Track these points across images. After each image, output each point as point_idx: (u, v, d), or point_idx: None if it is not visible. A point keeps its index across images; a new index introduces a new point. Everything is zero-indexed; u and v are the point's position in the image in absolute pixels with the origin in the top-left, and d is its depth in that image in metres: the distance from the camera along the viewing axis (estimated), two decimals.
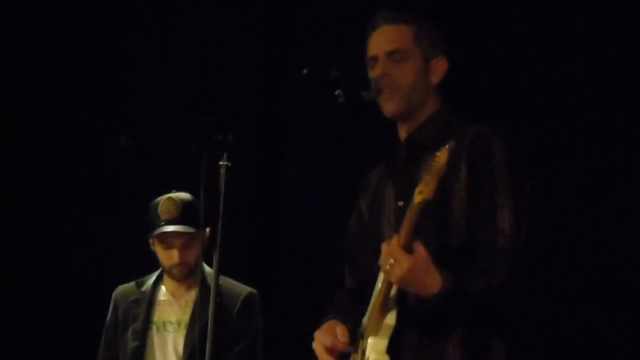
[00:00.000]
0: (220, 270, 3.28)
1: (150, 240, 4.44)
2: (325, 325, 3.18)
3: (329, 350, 3.13)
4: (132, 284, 4.55)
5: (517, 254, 3.01)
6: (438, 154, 2.89)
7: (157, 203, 4.40)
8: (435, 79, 3.22)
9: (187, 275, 4.40)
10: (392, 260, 2.92)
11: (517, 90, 4.79)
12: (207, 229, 4.32)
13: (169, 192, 4.46)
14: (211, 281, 4.37)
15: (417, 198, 2.90)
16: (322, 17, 5.22)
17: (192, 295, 4.44)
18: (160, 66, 5.61)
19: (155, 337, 4.41)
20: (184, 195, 4.37)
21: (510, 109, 4.73)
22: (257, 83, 5.41)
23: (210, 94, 5.29)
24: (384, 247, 2.95)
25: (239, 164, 3.12)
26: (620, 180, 4.66)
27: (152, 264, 4.53)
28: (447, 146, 2.89)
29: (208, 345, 3.20)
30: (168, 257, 4.41)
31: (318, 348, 3.16)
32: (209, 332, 3.22)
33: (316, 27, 5.24)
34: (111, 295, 4.56)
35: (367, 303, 3.13)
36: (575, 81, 4.75)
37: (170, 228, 4.34)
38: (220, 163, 3.10)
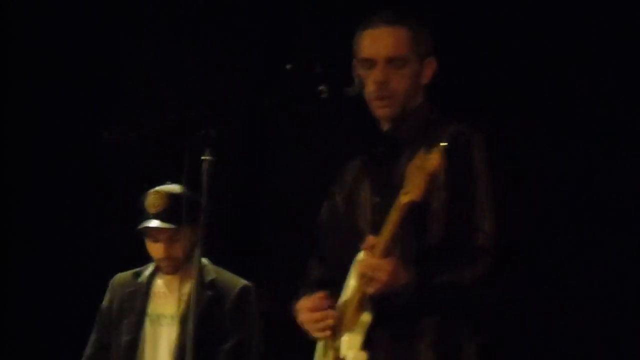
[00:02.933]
0: (200, 262, 3.33)
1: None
2: (307, 295, 3.20)
3: (313, 309, 3.14)
4: (129, 273, 4.55)
5: (497, 252, 3.01)
6: (430, 155, 2.88)
7: (146, 196, 4.40)
8: (425, 79, 3.23)
9: (176, 268, 4.40)
10: (370, 273, 2.94)
11: (499, 87, 4.79)
12: None
13: (157, 185, 4.44)
14: (207, 274, 4.43)
15: (404, 199, 2.91)
16: (306, 13, 5.22)
17: (188, 288, 4.42)
18: (145, 63, 5.63)
19: (149, 330, 4.41)
20: (173, 188, 4.35)
21: (491, 107, 4.73)
22: (240, 78, 5.41)
23: (194, 89, 5.29)
24: (358, 265, 2.98)
25: (222, 159, 3.13)
26: (600, 179, 4.67)
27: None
28: (439, 148, 2.88)
29: (189, 340, 3.19)
30: (155, 250, 4.41)
31: (302, 314, 3.17)
32: (190, 326, 3.21)
33: (300, 22, 5.24)
34: (107, 283, 4.57)
35: (333, 296, 3.15)
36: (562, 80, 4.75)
37: (151, 223, 4.33)
38: (203, 158, 3.11)
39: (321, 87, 3.12)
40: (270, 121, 5.28)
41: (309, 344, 3.22)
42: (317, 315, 3.13)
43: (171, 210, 4.31)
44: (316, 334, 3.16)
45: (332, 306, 3.12)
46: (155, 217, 4.34)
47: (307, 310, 3.16)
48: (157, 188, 4.40)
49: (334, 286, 3.18)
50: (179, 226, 4.28)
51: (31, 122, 5.85)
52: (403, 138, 3.18)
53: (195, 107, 3.14)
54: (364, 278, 2.96)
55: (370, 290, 2.96)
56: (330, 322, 3.10)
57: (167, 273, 4.43)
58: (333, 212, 3.33)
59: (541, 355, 4.72)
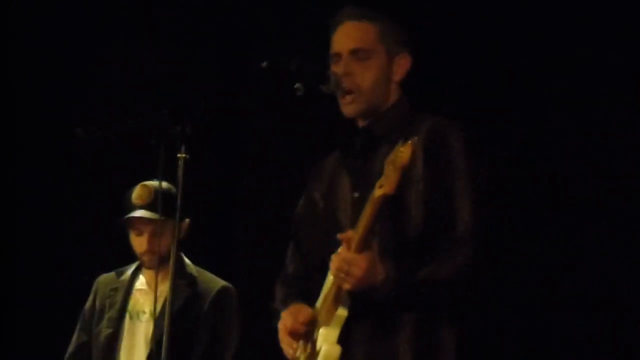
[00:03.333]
0: (176, 256, 3.34)
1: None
2: (291, 307, 3.18)
3: (290, 332, 3.13)
4: (112, 273, 4.56)
5: (476, 243, 2.99)
6: (402, 148, 2.88)
7: (133, 189, 4.39)
8: (397, 76, 3.21)
9: (158, 263, 4.35)
10: (346, 267, 2.93)
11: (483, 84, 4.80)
12: (187, 220, 4.35)
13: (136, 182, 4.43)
14: (188, 273, 4.42)
15: (378, 192, 2.90)
16: (282, 9, 5.21)
17: (167, 285, 4.41)
18: (119, 59, 5.62)
19: (127, 325, 4.41)
20: (161, 184, 4.36)
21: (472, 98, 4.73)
22: (216, 76, 5.39)
23: (168, 86, 5.28)
24: (334, 259, 2.96)
25: (197, 156, 3.13)
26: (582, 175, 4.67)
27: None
28: (410, 141, 2.88)
29: (165, 338, 3.19)
30: (138, 243, 4.40)
31: (280, 328, 3.17)
32: (165, 323, 3.21)
33: (275, 19, 5.23)
34: (89, 284, 4.56)
35: (313, 292, 3.15)
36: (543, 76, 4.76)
37: (137, 213, 4.33)
38: (178, 155, 3.11)
39: (297, 85, 3.12)
40: (246, 118, 5.27)
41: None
42: (292, 342, 3.13)
43: (157, 203, 4.30)
44: (286, 353, 3.16)
45: (310, 326, 3.10)
46: (141, 209, 4.34)
47: (285, 329, 3.15)
48: (144, 182, 4.39)
49: (311, 281, 3.18)
50: (164, 218, 4.24)
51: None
52: (380, 133, 3.17)
53: (170, 104, 3.14)
54: (339, 273, 2.94)
55: (346, 286, 2.95)
56: (299, 355, 3.10)
57: (150, 267, 4.42)
58: (311, 208, 3.32)
59: (520, 348, 4.71)
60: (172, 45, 5.49)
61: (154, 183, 4.36)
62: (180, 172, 3.11)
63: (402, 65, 3.21)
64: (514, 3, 4.75)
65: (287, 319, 3.14)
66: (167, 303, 3.25)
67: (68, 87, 5.68)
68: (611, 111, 4.61)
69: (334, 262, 2.97)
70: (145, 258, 4.41)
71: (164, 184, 4.28)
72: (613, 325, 4.53)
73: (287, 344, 3.14)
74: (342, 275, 2.94)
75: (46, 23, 5.73)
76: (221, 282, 4.46)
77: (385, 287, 2.94)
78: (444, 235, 3.02)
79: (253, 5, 5.35)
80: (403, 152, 2.86)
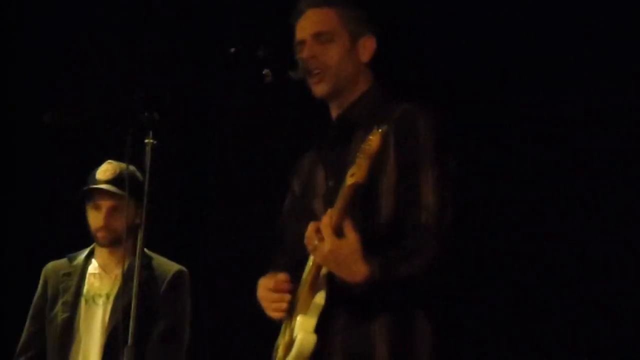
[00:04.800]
0: (143, 246, 3.32)
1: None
2: (268, 275, 3.20)
3: (273, 288, 3.15)
4: (63, 259, 4.55)
5: (442, 230, 3.00)
6: (371, 137, 2.88)
7: (98, 167, 4.41)
8: (364, 57, 3.25)
9: (112, 242, 4.39)
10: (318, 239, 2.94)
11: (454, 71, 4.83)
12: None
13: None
14: (144, 257, 4.41)
15: (349, 181, 2.91)
16: None
17: (122, 269, 4.40)
18: (87, 45, 5.59)
19: (83, 309, 4.40)
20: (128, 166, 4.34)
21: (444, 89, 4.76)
22: (184, 62, 5.39)
23: (136, 72, 5.26)
24: (310, 226, 2.96)
25: (165, 142, 3.12)
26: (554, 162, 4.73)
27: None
28: (379, 129, 2.88)
29: (132, 322, 3.18)
30: (95, 218, 4.40)
31: (260, 290, 3.18)
32: (133, 307, 3.20)
33: (244, 5, 5.23)
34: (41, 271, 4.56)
35: (298, 284, 3.15)
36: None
37: (97, 186, 4.34)
38: (146, 141, 3.10)
39: (265, 71, 3.12)
40: (214, 104, 5.27)
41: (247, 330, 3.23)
42: (274, 296, 3.14)
43: (119, 180, 4.31)
44: (269, 313, 3.17)
45: (291, 290, 3.13)
46: (103, 183, 4.34)
47: (266, 288, 3.17)
48: (110, 160, 4.39)
49: (295, 277, 3.18)
50: (124, 194, 4.22)
51: None
52: (354, 121, 3.19)
53: (138, 90, 3.12)
54: (312, 242, 2.94)
55: (317, 256, 2.95)
56: (284, 305, 3.12)
57: (103, 245, 4.42)
58: (293, 202, 3.36)
59: (496, 331, 4.77)
60: (142, 32, 5.47)
61: (121, 164, 4.35)
62: (147, 158, 3.09)
63: (368, 46, 3.24)
64: None
65: (268, 280, 3.17)
66: (135, 283, 3.23)
67: (35, 72, 5.64)
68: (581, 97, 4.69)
69: (310, 229, 2.96)
70: (100, 235, 4.40)
71: (131, 167, 4.23)
72: (590, 311, 4.61)
73: (269, 300, 3.14)
74: (315, 243, 2.93)
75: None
76: (176, 266, 4.48)
77: (368, 285, 2.93)
78: (410, 224, 3.03)
79: None
80: (372, 141, 2.87)
